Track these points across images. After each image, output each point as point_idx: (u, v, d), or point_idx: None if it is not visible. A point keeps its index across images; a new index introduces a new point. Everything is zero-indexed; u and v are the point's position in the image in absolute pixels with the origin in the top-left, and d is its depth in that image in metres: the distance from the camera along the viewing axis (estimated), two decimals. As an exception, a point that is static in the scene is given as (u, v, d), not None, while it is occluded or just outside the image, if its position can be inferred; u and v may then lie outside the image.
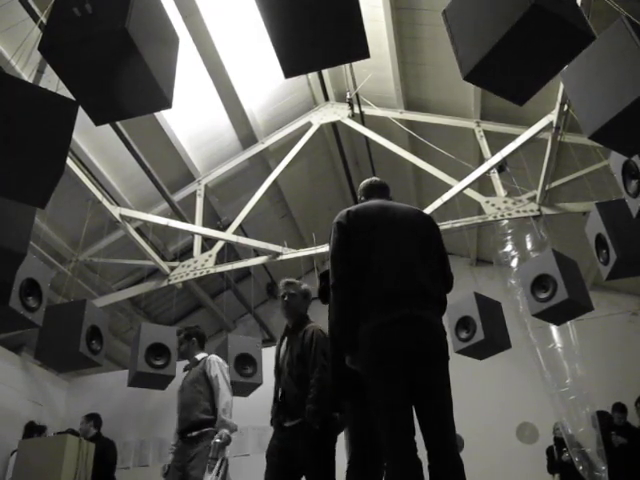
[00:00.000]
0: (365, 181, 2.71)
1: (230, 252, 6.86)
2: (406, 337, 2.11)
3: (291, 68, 2.33)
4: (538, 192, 5.67)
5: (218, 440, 3.36)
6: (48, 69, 3.60)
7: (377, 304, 2.17)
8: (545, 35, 2.09)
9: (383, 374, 2.10)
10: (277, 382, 3.16)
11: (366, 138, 6.77)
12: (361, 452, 2.54)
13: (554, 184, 5.77)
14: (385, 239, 2.28)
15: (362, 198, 2.65)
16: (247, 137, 6.89)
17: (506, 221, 6.04)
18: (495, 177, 5.97)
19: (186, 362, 4.05)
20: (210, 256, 6.43)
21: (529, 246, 6.06)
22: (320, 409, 2.87)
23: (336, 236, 2.33)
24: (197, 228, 6.42)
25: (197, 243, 6.67)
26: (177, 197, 6.66)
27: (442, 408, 2.09)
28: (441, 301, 2.31)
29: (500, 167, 5.88)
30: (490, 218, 5.76)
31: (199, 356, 3.93)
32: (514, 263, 6.14)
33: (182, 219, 6.42)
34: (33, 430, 6.06)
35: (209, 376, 3.71)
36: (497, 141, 5.92)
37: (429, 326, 2.17)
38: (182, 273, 6.49)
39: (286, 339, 3.28)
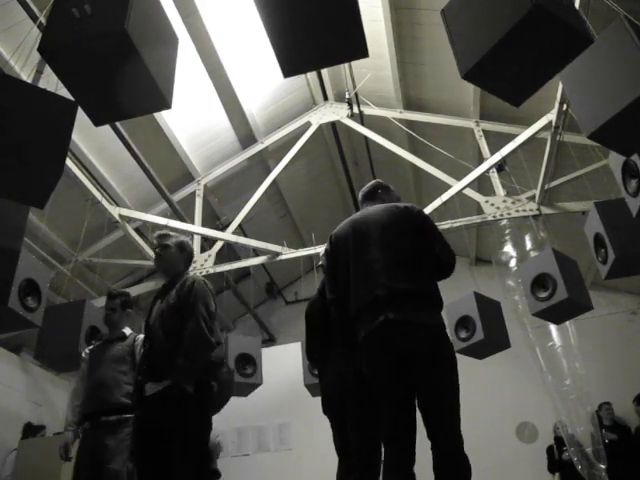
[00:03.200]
0: (361, 190, 2.76)
1: (229, 252, 6.86)
2: (389, 343, 2.12)
3: (290, 68, 2.33)
4: (537, 191, 5.68)
5: None
6: (47, 69, 3.59)
7: (360, 317, 2.22)
8: (545, 36, 2.09)
9: (378, 384, 2.15)
10: (144, 345, 2.69)
11: (365, 138, 6.77)
12: (360, 454, 2.52)
13: (553, 183, 5.76)
14: (357, 253, 2.33)
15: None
16: (246, 137, 6.89)
17: (505, 221, 6.04)
18: (494, 177, 5.97)
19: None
20: (209, 256, 6.43)
21: (528, 246, 6.07)
22: (194, 366, 2.41)
23: (324, 262, 2.47)
24: (196, 228, 6.42)
25: (196, 243, 6.66)
26: (176, 197, 6.66)
27: (442, 407, 2.09)
28: (425, 294, 2.21)
29: (499, 167, 5.88)
30: (489, 218, 5.76)
31: (127, 331, 3.52)
32: (513, 263, 6.14)
33: (181, 219, 6.42)
34: (31, 431, 6.08)
35: (137, 358, 3.27)
36: (496, 140, 5.92)
37: (410, 326, 2.12)
38: (181, 273, 6.48)
39: (161, 297, 2.81)
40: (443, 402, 2.09)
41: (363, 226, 2.39)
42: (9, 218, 2.86)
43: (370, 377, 2.19)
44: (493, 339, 4.83)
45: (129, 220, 6.16)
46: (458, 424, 2.08)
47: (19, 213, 2.95)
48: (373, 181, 2.76)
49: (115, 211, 5.87)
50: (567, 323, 5.64)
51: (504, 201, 5.77)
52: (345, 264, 2.34)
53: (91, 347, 3.60)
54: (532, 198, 5.76)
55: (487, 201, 5.80)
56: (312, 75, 6.49)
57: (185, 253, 2.91)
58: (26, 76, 3.93)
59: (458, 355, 4.95)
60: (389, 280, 2.18)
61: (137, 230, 6.44)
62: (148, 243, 6.44)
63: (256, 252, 6.77)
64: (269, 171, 6.84)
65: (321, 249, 6.06)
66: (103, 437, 3.13)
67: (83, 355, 3.57)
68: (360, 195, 2.72)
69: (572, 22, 2.09)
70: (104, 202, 5.64)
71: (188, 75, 5.49)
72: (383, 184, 2.72)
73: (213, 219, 7.39)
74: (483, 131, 6.15)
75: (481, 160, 6.01)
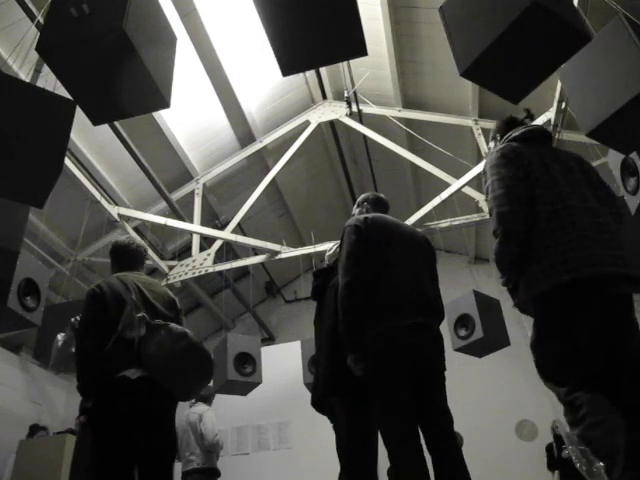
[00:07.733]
0: (371, 193, 2.86)
1: (229, 251, 6.87)
2: (415, 341, 2.29)
3: (289, 66, 2.32)
4: (536, 190, 5.67)
5: None
6: (45, 69, 3.59)
7: (391, 310, 2.30)
8: (543, 33, 2.08)
9: (394, 373, 2.23)
10: None
11: (364, 136, 6.77)
12: (354, 454, 2.47)
13: (552, 182, 5.76)
14: (399, 252, 2.46)
15: (366, 208, 2.74)
16: (245, 136, 6.89)
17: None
18: (493, 175, 5.97)
19: None
20: (209, 255, 6.43)
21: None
22: (84, 382, 2.35)
23: (354, 237, 2.43)
24: (195, 227, 6.42)
25: (195, 242, 6.67)
26: (175, 196, 6.66)
27: (444, 407, 2.32)
28: (442, 313, 2.52)
29: (498, 165, 5.87)
30: (488, 216, 5.75)
31: None
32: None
33: (180, 218, 6.42)
34: (36, 430, 6.10)
35: None
36: (495, 139, 5.92)
37: (433, 333, 2.40)
38: (181, 272, 6.48)
39: None
40: (446, 405, 2.35)
41: (402, 231, 2.57)
42: (9, 218, 2.86)
43: (381, 368, 2.24)
44: (492, 337, 4.83)
45: (128, 219, 6.16)
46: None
47: (19, 213, 2.95)
48: (382, 195, 2.87)
49: (114, 210, 5.86)
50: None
51: (503, 199, 5.76)
52: (382, 252, 2.42)
53: None
54: (531, 196, 5.75)
55: (486, 199, 5.79)
56: (311, 74, 6.49)
57: (112, 257, 2.76)
58: (24, 75, 3.93)
59: (458, 353, 4.99)
60: (426, 291, 2.43)
61: (136, 229, 6.44)
62: (147, 242, 6.44)
63: (255, 251, 6.78)
64: (268, 170, 6.84)
65: (321, 247, 6.07)
66: None
67: None
68: (379, 199, 2.80)
69: (570, 19, 2.09)
70: (103, 201, 5.64)
71: (187, 74, 5.49)
72: None
73: (212, 218, 7.39)
74: (482, 129, 6.15)
75: (480, 158, 6.02)
